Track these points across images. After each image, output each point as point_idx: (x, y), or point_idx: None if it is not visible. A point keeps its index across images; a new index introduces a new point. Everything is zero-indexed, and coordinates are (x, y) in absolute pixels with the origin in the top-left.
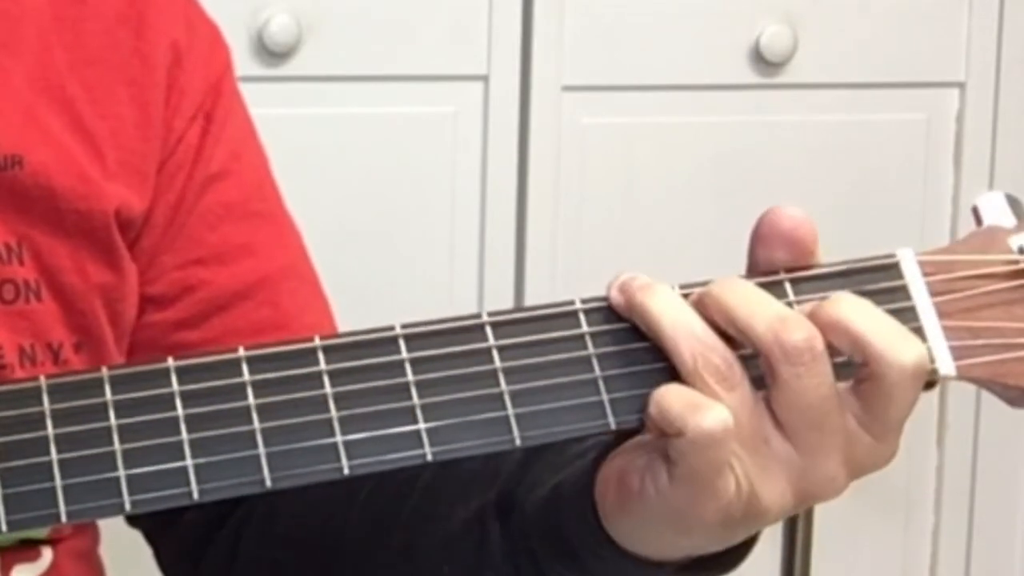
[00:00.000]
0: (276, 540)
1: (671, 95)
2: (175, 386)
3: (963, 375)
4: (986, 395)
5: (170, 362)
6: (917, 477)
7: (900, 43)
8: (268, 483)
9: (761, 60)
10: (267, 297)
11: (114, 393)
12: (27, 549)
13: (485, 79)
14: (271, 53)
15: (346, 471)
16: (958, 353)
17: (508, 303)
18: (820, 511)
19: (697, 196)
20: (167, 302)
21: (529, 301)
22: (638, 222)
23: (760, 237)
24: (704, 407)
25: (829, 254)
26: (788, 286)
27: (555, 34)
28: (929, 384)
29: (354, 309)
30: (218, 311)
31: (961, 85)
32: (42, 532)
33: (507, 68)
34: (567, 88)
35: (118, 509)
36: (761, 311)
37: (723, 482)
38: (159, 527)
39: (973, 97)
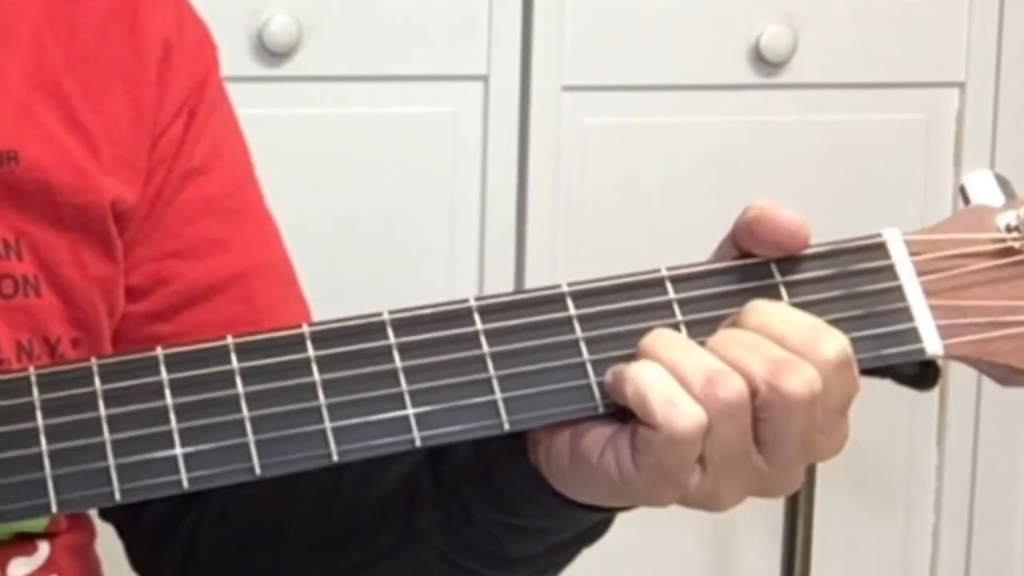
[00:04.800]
0: (229, 526)
1: (671, 95)
2: (164, 375)
3: (950, 354)
4: (986, 395)
5: (159, 351)
6: (917, 477)
7: (900, 43)
8: (258, 471)
9: (761, 60)
10: (241, 293)
11: (103, 383)
12: (24, 543)
13: (485, 79)
14: (271, 53)
15: (335, 458)
16: (945, 332)
17: None
18: (820, 511)
19: (697, 196)
20: (141, 294)
21: None
22: (638, 222)
23: (755, 236)
24: (682, 404)
25: None
26: (774, 267)
27: (555, 34)
28: (928, 384)
29: (354, 309)
30: (190, 304)
31: (961, 85)
32: (39, 526)
33: (507, 68)
34: (567, 88)
35: (108, 499)
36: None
37: (687, 478)
38: (127, 521)
39: (973, 97)
